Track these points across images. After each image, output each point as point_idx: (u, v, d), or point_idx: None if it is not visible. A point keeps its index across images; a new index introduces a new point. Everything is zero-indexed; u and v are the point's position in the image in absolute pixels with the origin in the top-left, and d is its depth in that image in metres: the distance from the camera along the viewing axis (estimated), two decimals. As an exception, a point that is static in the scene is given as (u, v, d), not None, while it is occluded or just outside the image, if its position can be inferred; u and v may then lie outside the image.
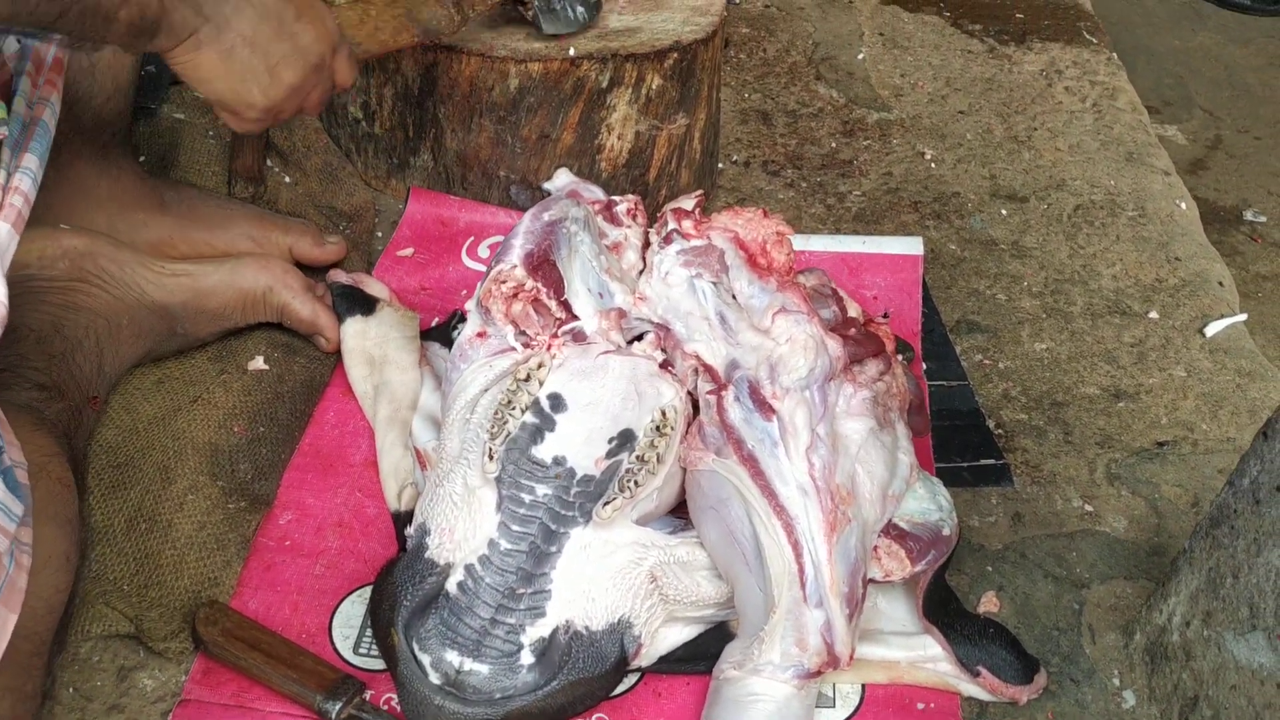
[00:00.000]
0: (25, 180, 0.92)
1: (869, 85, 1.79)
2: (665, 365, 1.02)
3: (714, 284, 1.03)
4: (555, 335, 1.02)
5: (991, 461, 1.20)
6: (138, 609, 0.99)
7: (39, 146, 0.95)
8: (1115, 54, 1.92)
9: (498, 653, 0.91)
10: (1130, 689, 1.00)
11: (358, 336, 1.23)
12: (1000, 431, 1.25)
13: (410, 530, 1.00)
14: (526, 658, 0.91)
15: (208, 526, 1.05)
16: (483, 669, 0.91)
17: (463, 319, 1.11)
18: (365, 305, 1.25)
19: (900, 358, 1.12)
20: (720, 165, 1.58)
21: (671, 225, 1.07)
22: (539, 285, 1.02)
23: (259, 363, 1.19)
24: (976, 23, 1.96)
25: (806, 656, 0.90)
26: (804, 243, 1.42)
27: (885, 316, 1.34)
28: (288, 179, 1.43)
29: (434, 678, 0.91)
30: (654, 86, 1.33)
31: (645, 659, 0.98)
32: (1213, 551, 0.91)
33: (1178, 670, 0.95)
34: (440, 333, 1.25)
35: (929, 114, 1.74)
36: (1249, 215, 2.19)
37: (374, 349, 1.23)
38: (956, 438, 1.22)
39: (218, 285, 1.17)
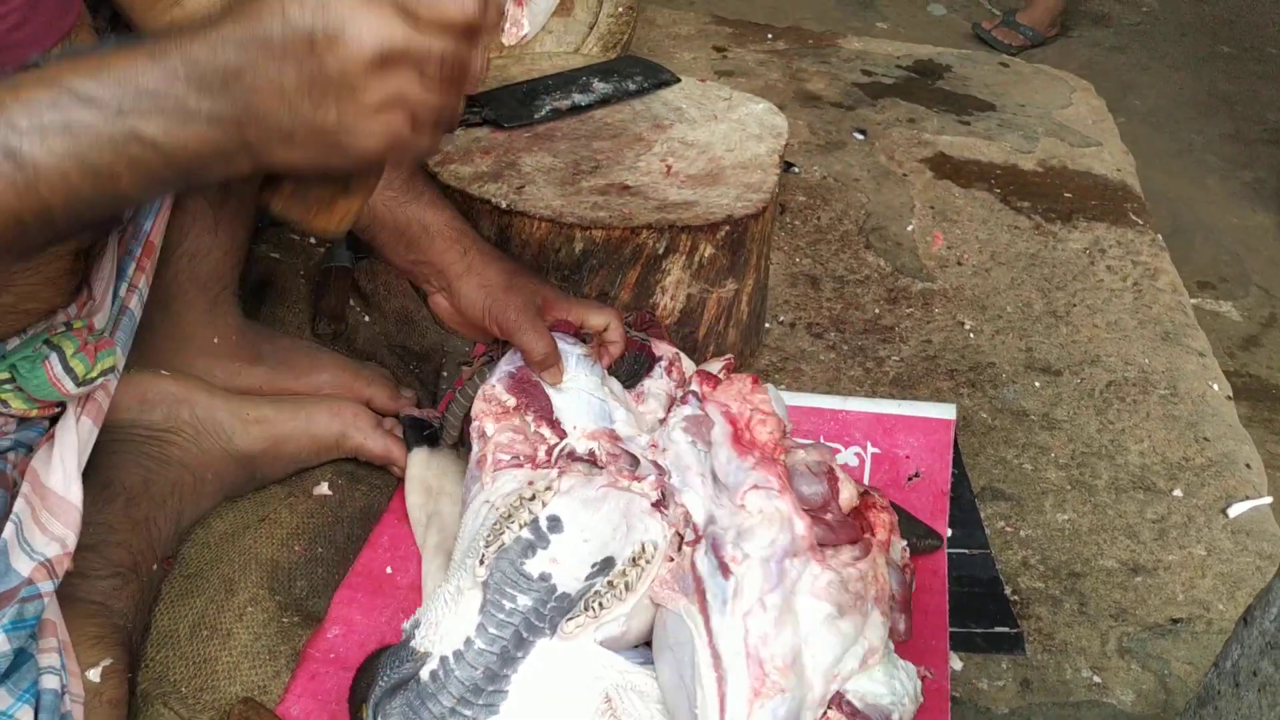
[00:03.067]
0: (111, 380, 1.01)
1: (915, 256, 1.89)
2: (659, 505, 1.10)
3: (705, 450, 1.12)
4: (550, 455, 1.12)
5: (1005, 629, 1.25)
6: (192, 710, 1.08)
7: (124, 337, 1.04)
8: (1160, 235, 2.00)
9: None
10: None
11: (420, 466, 1.34)
12: (1016, 598, 1.30)
13: (407, 625, 1.08)
14: None
15: (263, 638, 1.14)
16: None
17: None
18: (431, 438, 1.36)
19: (904, 544, 1.18)
20: (767, 325, 1.68)
21: (692, 386, 1.18)
22: (521, 403, 1.14)
23: (324, 488, 1.30)
24: (1025, 200, 2.06)
25: None
26: (841, 403, 1.50)
27: (915, 476, 1.41)
28: (367, 318, 1.57)
29: None
30: (706, 254, 1.45)
31: None
32: (1200, 731, 0.95)
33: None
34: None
35: (971, 285, 1.83)
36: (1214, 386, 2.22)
37: (433, 480, 1.33)
38: (974, 604, 1.27)
39: (293, 432, 1.29)
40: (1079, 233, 1.98)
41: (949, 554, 1.32)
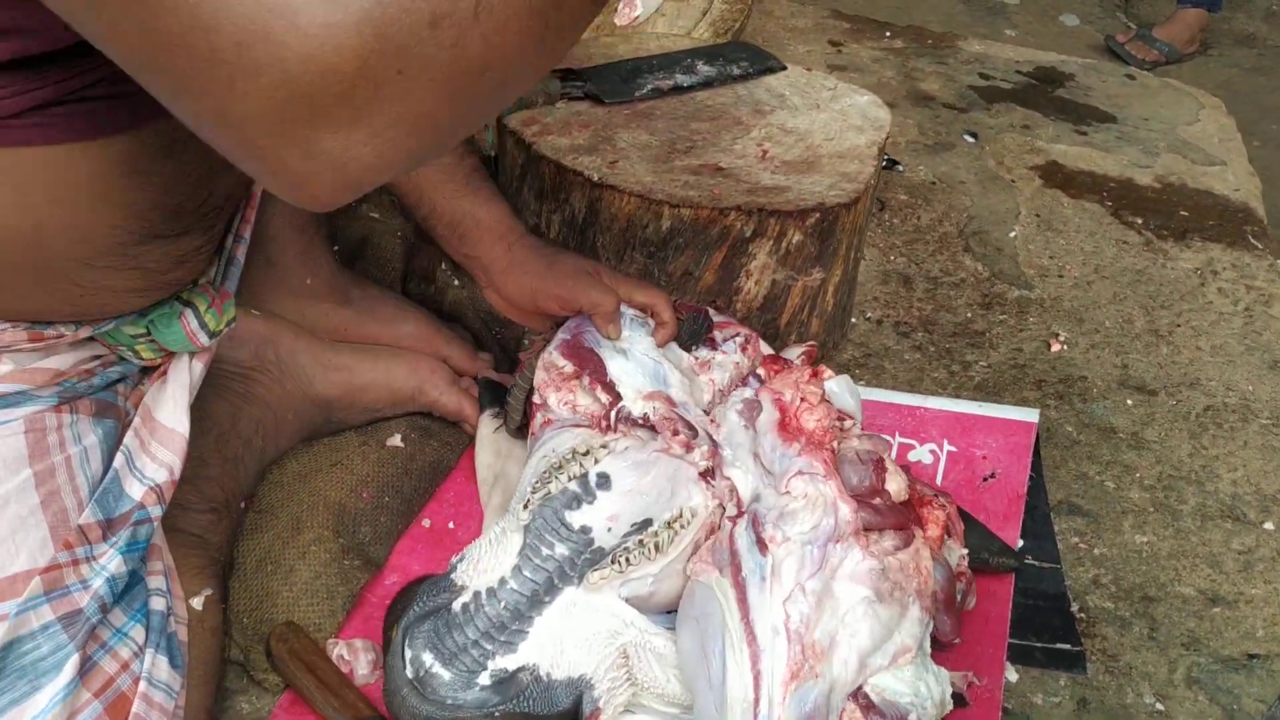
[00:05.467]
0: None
1: (1015, 263, 1.84)
2: (706, 475, 1.10)
3: (756, 434, 1.11)
4: (608, 418, 1.13)
5: (1067, 647, 1.21)
6: (249, 640, 1.12)
7: (232, 286, 1.07)
8: (1279, 261, 1.91)
9: (463, 667, 1.02)
10: None
11: (491, 426, 1.36)
12: (1083, 616, 1.26)
13: (454, 559, 1.11)
14: (484, 679, 1.01)
15: (323, 577, 1.17)
16: (445, 675, 1.02)
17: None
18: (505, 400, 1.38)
19: (964, 552, 1.16)
20: (853, 320, 1.66)
21: (759, 370, 1.17)
22: (578, 368, 1.17)
23: (396, 440, 1.33)
24: (1138, 215, 1.99)
25: None
26: (920, 400, 1.48)
27: (991, 477, 1.38)
28: (456, 282, 1.59)
29: (408, 670, 1.02)
30: (794, 241, 1.44)
31: None
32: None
33: None
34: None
35: (1070, 297, 1.77)
36: None
37: (503, 442, 1.35)
38: (1037, 618, 1.24)
39: (372, 382, 1.32)
40: (1191, 252, 1.91)
41: (1021, 565, 1.28)
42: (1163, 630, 1.25)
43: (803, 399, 1.13)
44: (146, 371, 1.06)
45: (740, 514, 1.07)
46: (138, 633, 0.96)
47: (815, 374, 1.16)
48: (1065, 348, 1.66)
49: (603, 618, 1.04)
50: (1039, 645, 1.21)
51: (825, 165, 1.51)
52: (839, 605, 1.00)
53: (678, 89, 1.64)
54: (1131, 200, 2.03)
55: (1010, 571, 1.27)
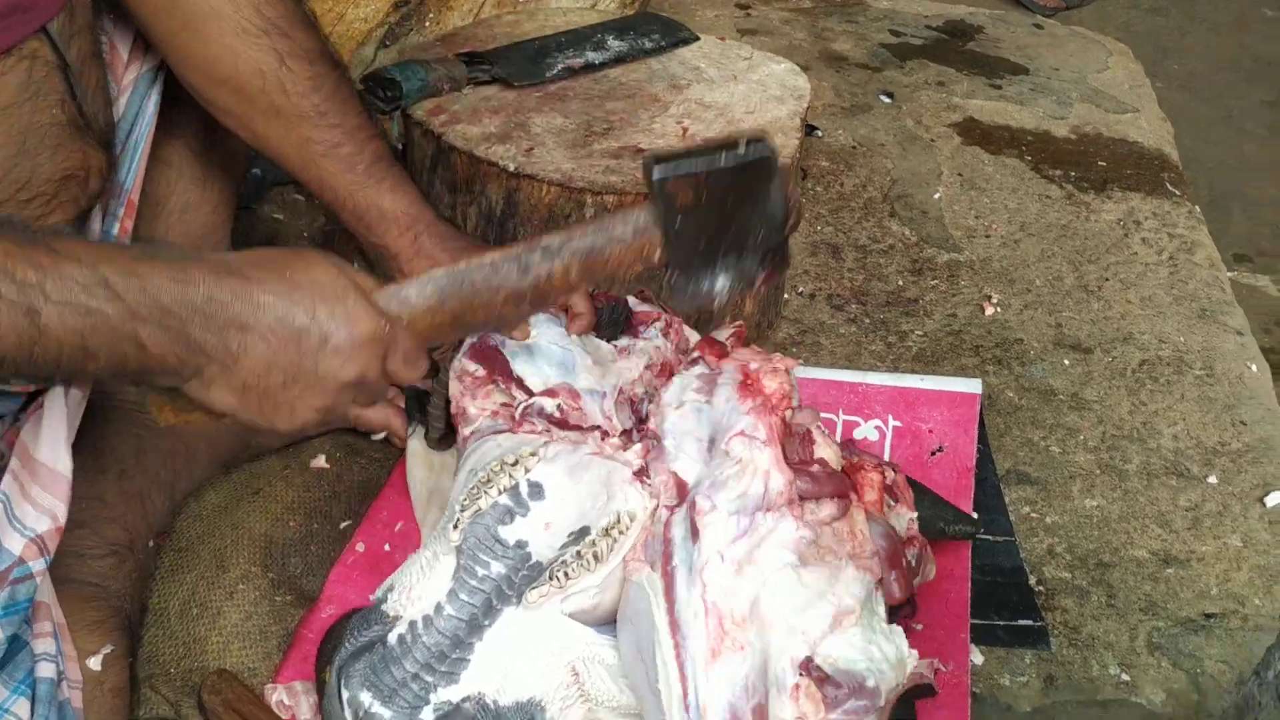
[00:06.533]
0: None
1: (942, 225, 1.82)
2: (641, 474, 1.05)
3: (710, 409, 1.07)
4: (513, 414, 1.11)
5: (1029, 623, 1.19)
6: (179, 693, 1.04)
7: None
8: (1198, 207, 1.92)
9: (405, 704, 0.96)
10: None
11: (423, 439, 1.29)
12: (1041, 589, 1.24)
13: (378, 591, 1.04)
14: (427, 715, 0.96)
15: (254, 617, 1.10)
16: (385, 714, 0.96)
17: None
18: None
19: (912, 516, 1.13)
20: (786, 296, 1.62)
21: (695, 354, 1.12)
22: (486, 371, 1.14)
23: (321, 461, 1.26)
24: (1057, 168, 1.98)
25: None
26: (861, 376, 1.44)
27: (939, 451, 1.35)
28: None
29: (346, 713, 0.96)
30: (721, 222, 1.38)
31: None
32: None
33: None
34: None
35: (999, 257, 1.76)
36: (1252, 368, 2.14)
37: (435, 455, 1.28)
38: (996, 594, 1.22)
39: None
40: (1113, 203, 1.90)
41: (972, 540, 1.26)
42: (1120, 596, 1.24)
43: (772, 363, 1.09)
44: (26, 405, 0.97)
45: (680, 502, 1.02)
46: (21, 707, 0.87)
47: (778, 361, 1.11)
48: (999, 310, 1.64)
49: (546, 636, 0.99)
50: (1001, 624, 1.19)
51: (749, 140, 1.46)
52: (761, 570, 0.95)
53: (590, 67, 1.57)
54: (1050, 153, 2.02)
55: (968, 539, 1.24)
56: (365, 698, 0.96)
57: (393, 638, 0.99)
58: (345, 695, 0.97)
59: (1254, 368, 1.58)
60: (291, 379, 0.82)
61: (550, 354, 1.17)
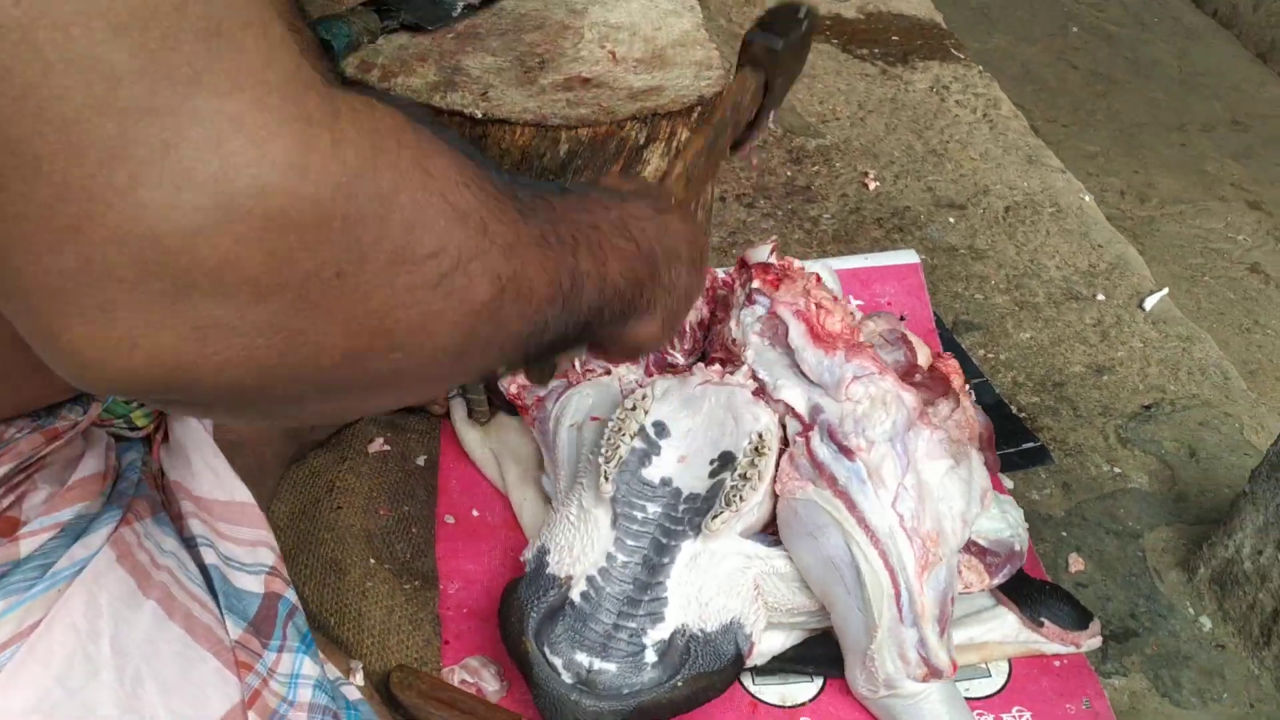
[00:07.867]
0: None
1: (796, 113, 1.95)
2: (759, 393, 1.13)
3: (785, 351, 1.15)
4: (580, 368, 1.15)
5: (1031, 445, 1.39)
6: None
7: None
8: (983, 66, 2.17)
9: (623, 653, 1.00)
10: (1204, 615, 1.21)
11: (461, 404, 1.28)
12: (1024, 415, 1.44)
13: (528, 555, 1.07)
14: (650, 657, 1.00)
15: (395, 610, 1.08)
16: (610, 667, 0.99)
17: None
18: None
19: (969, 388, 1.28)
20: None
21: (754, 284, 1.19)
22: None
23: (379, 444, 1.21)
24: (863, 47, 2.16)
25: (910, 669, 1.03)
26: (815, 266, 1.56)
27: (903, 319, 1.50)
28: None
29: (567, 677, 0.98)
30: (682, 139, 1.44)
31: (758, 657, 1.09)
32: (1277, 490, 1.12)
33: (1253, 592, 1.16)
34: None
35: (856, 136, 1.92)
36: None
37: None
38: (996, 428, 1.40)
39: None
40: (919, 73, 2.12)
41: (959, 387, 1.43)
42: (1082, 407, 1.46)
43: (819, 305, 1.17)
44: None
45: (807, 427, 1.10)
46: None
47: (819, 280, 1.20)
48: (879, 184, 1.81)
49: (729, 559, 1.05)
50: (1012, 451, 1.37)
51: (673, 56, 1.51)
52: (932, 487, 1.07)
53: (487, 1, 1.54)
54: (851, 34, 2.20)
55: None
56: (582, 657, 0.98)
57: (576, 596, 1.01)
58: (559, 661, 0.98)
59: (1087, 198, 1.85)
60: (693, 291, 0.81)
61: None
